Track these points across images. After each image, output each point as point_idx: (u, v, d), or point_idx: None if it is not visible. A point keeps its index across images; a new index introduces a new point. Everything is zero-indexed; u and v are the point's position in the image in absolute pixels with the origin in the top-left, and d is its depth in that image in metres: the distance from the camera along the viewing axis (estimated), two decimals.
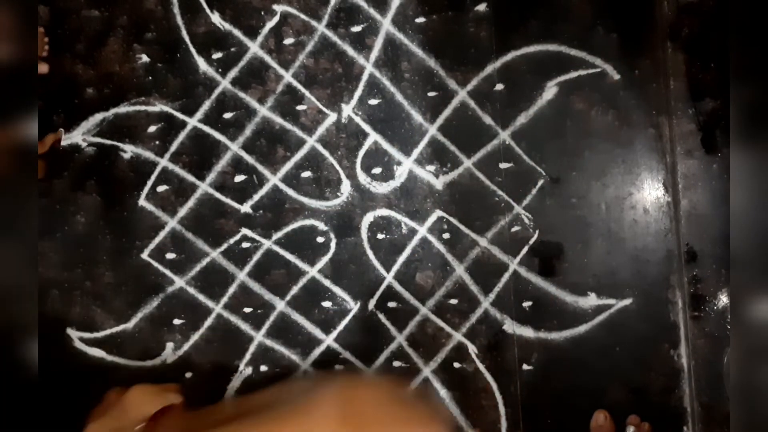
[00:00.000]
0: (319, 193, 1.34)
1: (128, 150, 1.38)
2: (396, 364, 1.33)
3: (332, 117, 1.34)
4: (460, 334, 1.31)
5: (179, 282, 1.37)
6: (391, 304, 1.33)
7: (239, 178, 1.36)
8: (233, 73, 1.35)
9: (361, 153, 1.33)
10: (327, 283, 1.35)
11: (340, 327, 1.34)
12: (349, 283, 1.34)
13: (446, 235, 1.31)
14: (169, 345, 1.38)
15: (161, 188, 1.38)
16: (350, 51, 1.33)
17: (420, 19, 1.30)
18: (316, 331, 1.35)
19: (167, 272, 1.38)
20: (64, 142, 1.39)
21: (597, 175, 1.28)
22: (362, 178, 1.33)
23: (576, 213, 1.28)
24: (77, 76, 1.39)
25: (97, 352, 1.40)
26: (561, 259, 1.29)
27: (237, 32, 1.35)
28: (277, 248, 1.35)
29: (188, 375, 1.38)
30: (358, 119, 1.33)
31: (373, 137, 1.33)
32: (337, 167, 1.34)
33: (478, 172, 1.30)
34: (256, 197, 1.36)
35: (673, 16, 1.25)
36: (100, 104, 1.39)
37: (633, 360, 1.27)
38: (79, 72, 1.39)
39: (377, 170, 1.33)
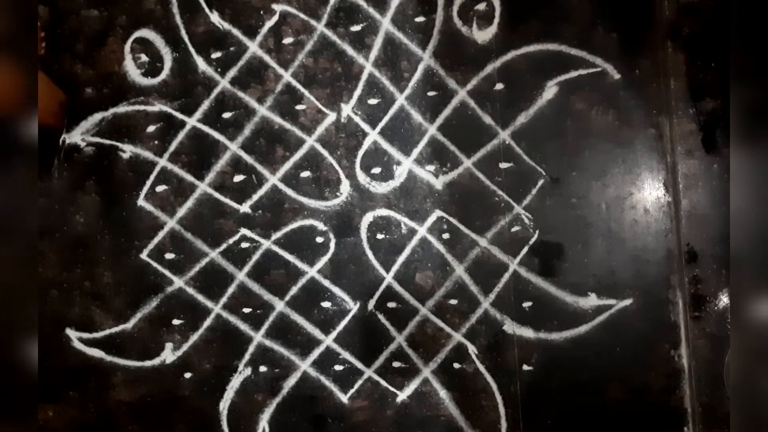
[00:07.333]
0: (319, 193, 1.34)
1: (127, 150, 1.38)
2: (396, 364, 1.33)
3: (331, 116, 1.33)
4: (459, 335, 1.31)
5: (178, 282, 1.37)
6: (391, 305, 1.33)
7: (238, 178, 1.36)
8: (232, 72, 1.35)
9: (361, 153, 1.33)
10: (326, 283, 1.34)
11: (340, 327, 1.34)
12: (348, 284, 1.34)
13: (446, 235, 1.31)
14: (169, 345, 1.38)
15: (160, 188, 1.37)
16: (350, 50, 1.32)
17: (420, 18, 1.30)
18: (316, 332, 1.35)
19: (166, 272, 1.37)
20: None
21: (597, 175, 1.27)
22: (362, 177, 1.33)
23: (576, 213, 1.28)
24: (76, 76, 1.39)
25: (96, 353, 1.40)
26: (561, 259, 1.29)
27: (236, 32, 1.35)
28: (276, 248, 1.35)
29: (187, 375, 1.38)
30: (357, 119, 1.33)
31: (373, 137, 1.32)
32: (337, 167, 1.34)
33: (478, 172, 1.30)
34: (256, 197, 1.35)
35: (673, 16, 1.25)
36: (99, 104, 1.38)
37: (633, 360, 1.27)
38: (78, 72, 1.39)
39: (377, 170, 1.33)
